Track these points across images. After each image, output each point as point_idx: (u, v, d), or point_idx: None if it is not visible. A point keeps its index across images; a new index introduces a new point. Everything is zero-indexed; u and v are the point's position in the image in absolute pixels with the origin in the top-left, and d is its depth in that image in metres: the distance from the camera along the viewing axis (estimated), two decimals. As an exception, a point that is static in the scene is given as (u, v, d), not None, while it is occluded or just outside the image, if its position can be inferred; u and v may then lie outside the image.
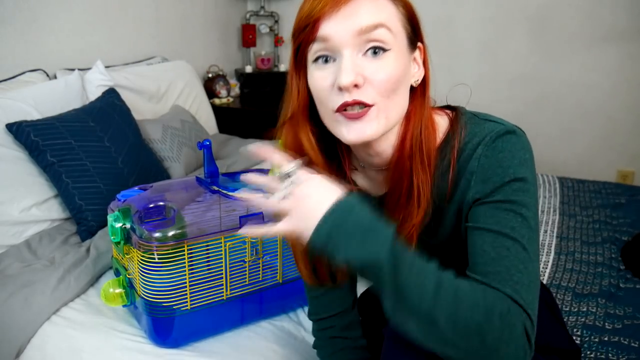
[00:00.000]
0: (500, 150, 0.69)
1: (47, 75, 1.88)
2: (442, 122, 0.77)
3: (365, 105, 0.68)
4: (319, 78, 0.69)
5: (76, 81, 1.81)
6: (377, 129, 0.69)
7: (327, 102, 0.69)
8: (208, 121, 2.57)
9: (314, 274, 0.85)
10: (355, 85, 0.66)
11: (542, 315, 0.83)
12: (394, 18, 0.69)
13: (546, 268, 1.49)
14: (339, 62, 0.67)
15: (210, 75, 2.89)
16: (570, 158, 2.79)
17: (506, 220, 0.67)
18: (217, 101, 2.84)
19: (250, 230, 0.68)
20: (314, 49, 0.69)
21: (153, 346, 1.07)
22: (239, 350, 1.07)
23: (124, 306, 1.12)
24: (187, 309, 1.04)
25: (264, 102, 2.96)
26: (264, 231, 0.67)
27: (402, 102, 0.72)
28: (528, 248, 0.66)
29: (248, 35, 3.06)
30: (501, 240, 0.66)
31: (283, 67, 3.16)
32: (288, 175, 0.66)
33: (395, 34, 0.68)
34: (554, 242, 1.64)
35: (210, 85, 2.85)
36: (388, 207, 0.76)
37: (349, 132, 0.69)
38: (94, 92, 1.85)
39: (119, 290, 1.10)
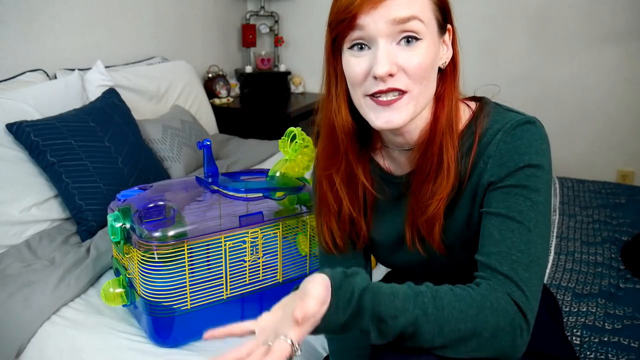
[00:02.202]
0: (518, 138, 0.73)
1: (47, 75, 1.88)
2: (465, 109, 0.81)
3: (399, 92, 0.72)
4: (354, 64, 0.73)
5: (76, 81, 1.81)
6: (405, 117, 0.73)
7: (361, 87, 0.74)
8: (208, 121, 2.57)
9: (335, 241, 0.88)
10: (390, 75, 0.70)
11: (543, 321, 0.86)
12: (426, 8, 0.72)
13: (546, 268, 1.49)
14: (374, 51, 0.71)
15: (210, 75, 2.89)
16: (570, 158, 2.79)
17: (515, 204, 0.71)
18: (217, 101, 2.84)
19: None
20: (350, 37, 0.72)
21: (153, 346, 1.07)
22: (239, 350, 1.06)
23: (124, 306, 1.12)
24: (187, 309, 1.04)
25: (264, 102, 2.96)
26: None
27: (431, 86, 0.76)
28: (533, 230, 0.70)
29: (248, 35, 3.06)
30: (507, 224, 0.71)
31: (283, 67, 3.16)
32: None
33: (426, 24, 0.72)
34: (554, 242, 1.64)
35: (210, 85, 2.85)
36: (415, 184, 0.79)
37: (377, 118, 0.74)
38: (94, 92, 1.85)
39: (119, 290, 1.10)
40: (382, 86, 0.71)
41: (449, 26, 0.77)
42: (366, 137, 0.85)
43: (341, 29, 0.72)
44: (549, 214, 0.73)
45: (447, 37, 0.77)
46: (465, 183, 0.77)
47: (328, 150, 0.83)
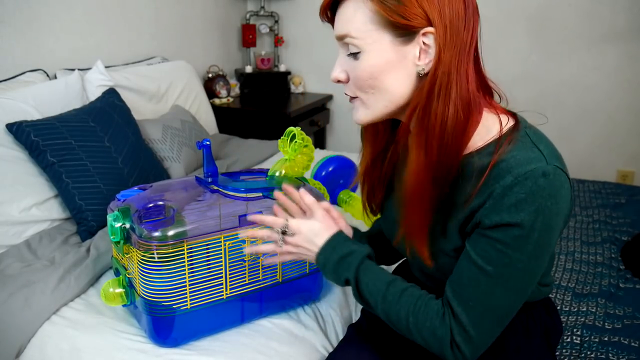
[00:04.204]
0: (524, 191, 0.70)
1: (47, 75, 1.88)
2: (494, 123, 0.79)
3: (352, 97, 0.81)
4: None
5: (76, 81, 1.81)
6: (362, 118, 0.82)
7: None
8: (208, 121, 2.57)
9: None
10: (339, 81, 0.81)
11: (533, 339, 0.91)
12: (362, 22, 0.74)
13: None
14: None
15: (210, 75, 2.89)
16: (570, 158, 2.76)
17: (492, 258, 0.73)
18: (217, 101, 2.84)
19: (254, 250, 0.94)
20: None
21: (153, 345, 1.07)
22: (238, 349, 1.07)
23: (123, 306, 1.12)
24: (187, 308, 1.04)
25: (264, 102, 2.96)
26: (272, 258, 0.93)
27: (386, 94, 0.78)
28: (501, 285, 0.75)
29: (248, 35, 3.06)
30: (478, 275, 0.75)
31: (283, 67, 3.16)
32: (284, 232, 0.88)
33: (363, 38, 0.75)
34: (553, 242, 1.64)
35: (210, 85, 2.85)
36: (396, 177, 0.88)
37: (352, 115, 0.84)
38: (94, 92, 1.85)
39: (119, 290, 1.10)
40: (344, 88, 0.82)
41: (429, 29, 0.71)
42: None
43: None
44: (529, 268, 0.74)
45: (432, 41, 0.72)
46: (469, 203, 0.76)
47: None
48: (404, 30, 0.73)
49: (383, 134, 0.91)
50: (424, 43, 0.73)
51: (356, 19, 0.75)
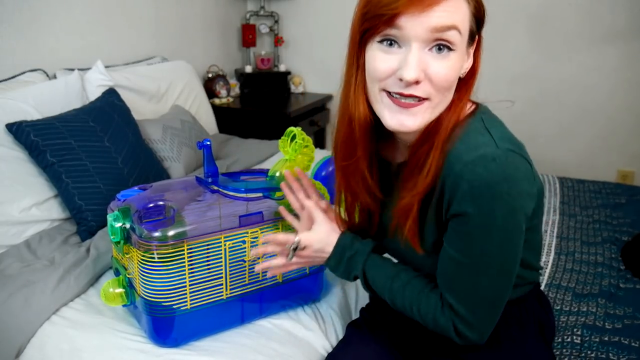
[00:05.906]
0: (476, 178, 0.70)
1: (47, 75, 1.88)
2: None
3: (418, 98, 0.71)
4: (380, 60, 0.72)
5: (76, 81, 1.81)
6: (420, 123, 0.73)
7: (381, 83, 0.73)
8: (208, 121, 2.57)
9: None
10: (416, 82, 0.70)
11: (528, 333, 0.91)
12: (465, 19, 0.70)
13: (546, 268, 1.49)
14: (405, 52, 0.70)
15: (210, 75, 2.89)
16: (570, 158, 2.79)
17: (466, 251, 0.75)
18: (217, 101, 2.84)
19: (265, 266, 0.98)
20: (384, 31, 0.70)
21: (153, 345, 1.07)
22: (238, 349, 1.07)
23: (123, 306, 1.12)
24: (187, 309, 1.04)
25: (263, 102, 2.96)
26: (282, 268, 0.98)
27: (451, 96, 0.75)
28: (483, 272, 0.76)
29: (248, 35, 3.06)
30: (459, 268, 0.77)
31: (283, 67, 3.16)
32: (294, 249, 0.94)
33: (462, 35, 0.70)
34: (554, 242, 1.64)
35: (210, 85, 2.85)
36: (404, 175, 0.81)
37: (391, 118, 0.73)
38: (94, 92, 1.85)
39: (118, 290, 1.10)
40: (404, 90, 0.70)
41: (476, 36, 0.76)
42: (380, 127, 0.83)
43: (377, 22, 0.70)
44: (505, 253, 0.74)
45: (473, 47, 0.76)
46: (434, 194, 0.78)
47: (346, 142, 0.84)
48: (474, 33, 0.74)
49: (371, 134, 0.84)
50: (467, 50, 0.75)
51: (462, 12, 0.70)
